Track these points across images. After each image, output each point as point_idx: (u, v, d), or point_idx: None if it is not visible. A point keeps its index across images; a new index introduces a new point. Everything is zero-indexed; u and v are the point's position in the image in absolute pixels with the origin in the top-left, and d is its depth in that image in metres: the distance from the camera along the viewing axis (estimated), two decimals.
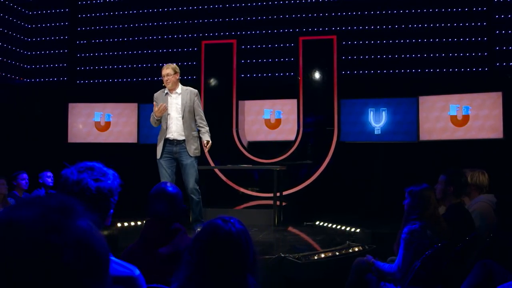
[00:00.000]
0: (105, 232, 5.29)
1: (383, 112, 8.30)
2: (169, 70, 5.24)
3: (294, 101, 8.40)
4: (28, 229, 0.70)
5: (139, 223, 6.09)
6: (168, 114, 5.25)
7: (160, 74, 9.20)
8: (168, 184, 2.63)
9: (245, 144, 8.50)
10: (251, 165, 7.54)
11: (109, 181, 1.74)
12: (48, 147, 8.70)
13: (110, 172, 1.79)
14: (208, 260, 1.49)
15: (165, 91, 5.32)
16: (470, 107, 7.90)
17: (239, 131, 8.44)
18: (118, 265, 1.70)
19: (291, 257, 4.25)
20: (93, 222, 0.79)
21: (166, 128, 5.20)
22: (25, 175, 6.33)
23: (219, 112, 8.39)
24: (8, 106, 8.99)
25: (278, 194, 6.66)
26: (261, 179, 8.23)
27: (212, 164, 8.14)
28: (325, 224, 6.54)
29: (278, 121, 8.80)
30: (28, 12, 9.89)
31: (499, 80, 7.88)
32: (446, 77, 8.34)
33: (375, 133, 8.32)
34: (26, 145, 8.70)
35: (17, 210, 0.74)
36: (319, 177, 8.02)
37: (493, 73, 8.09)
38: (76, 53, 9.79)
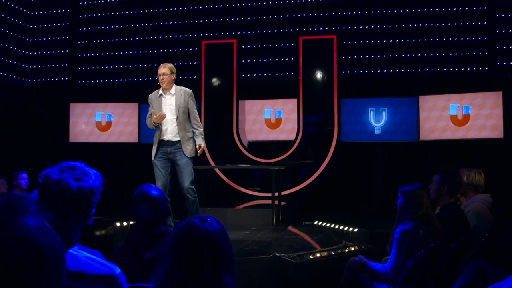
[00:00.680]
0: (102, 232, 5.33)
1: (384, 112, 8.29)
2: (165, 70, 5.18)
3: (295, 100, 8.41)
4: None
5: None
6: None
7: None
8: (151, 187, 2.63)
9: (245, 143, 8.51)
10: (249, 165, 7.55)
11: (90, 181, 1.75)
12: (49, 147, 8.74)
13: (92, 171, 1.79)
14: (184, 259, 1.50)
15: (159, 92, 5.28)
16: (470, 107, 7.88)
17: (240, 130, 8.45)
18: (98, 263, 1.71)
19: (286, 256, 4.25)
20: (45, 221, 0.80)
21: (161, 129, 5.18)
22: (24, 175, 6.36)
23: (219, 112, 8.41)
24: (10, 106, 9.03)
25: (276, 194, 6.65)
26: (261, 179, 8.25)
27: (213, 164, 8.15)
28: (324, 224, 6.54)
29: (279, 121, 8.81)
30: (30, 12, 9.94)
31: (500, 79, 7.85)
32: (446, 76, 8.32)
33: (376, 132, 8.31)
34: (27, 145, 8.74)
35: None
36: (319, 177, 8.02)
37: (493, 72, 8.06)
38: (77, 53, 9.83)
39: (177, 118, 5.16)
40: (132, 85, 9.59)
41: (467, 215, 4.17)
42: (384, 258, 3.87)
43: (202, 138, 5.28)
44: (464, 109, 7.91)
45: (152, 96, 5.33)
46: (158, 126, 5.22)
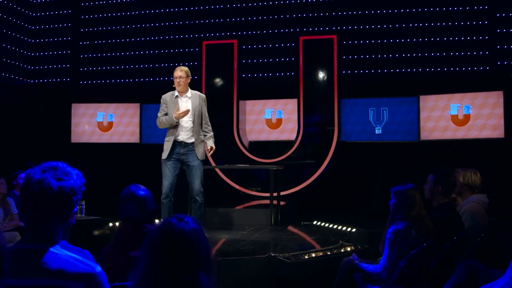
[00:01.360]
0: (99, 232, 5.36)
1: (384, 112, 8.27)
2: (182, 73, 5.32)
3: (295, 100, 8.41)
4: None
5: None
6: None
7: (162, 74, 9.24)
8: (138, 187, 2.65)
9: (246, 144, 8.53)
10: (247, 165, 7.55)
11: (71, 181, 1.77)
12: (51, 147, 8.79)
13: (74, 172, 1.81)
14: (160, 258, 1.52)
15: (175, 94, 5.39)
16: (471, 106, 7.85)
17: (240, 131, 8.47)
18: (79, 262, 1.73)
19: (280, 256, 4.27)
20: None
21: (176, 130, 5.29)
22: (24, 175, 6.39)
23: (220, 112, 8.42)
24: (12, 106, 9.10)
25: (275, 194, 6.66)
26: (262, 179, 8.25)
27: (213, 164, 8.17)
28: (322, 224, 6.54)
29: (279, 121, 8.82)
30: (32, 14, 10.01)
31: (500, 79, 7.81)
32: (447, 76, 8.29)
33: (376, 132, 8.30)
34: (29, 145, 8.79)
35: None
36: (320, 177, 8.02)
37: (494, 72, 8.03)
38: (78, 54, 9.88)
39: (193, 121, 5.32)
40: (133, 85, 9.64)
41: (463, 215, 4.16)
42: (379, 259, 3.87)
43: (213, 140, 5.45)
44: (464, 108, 7.88)
45: (166, 97, 5.43)
46: (173, 127, 5.29)
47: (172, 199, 5.27)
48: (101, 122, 9.32)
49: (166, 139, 5.37)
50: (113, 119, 9.32)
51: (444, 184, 3.85)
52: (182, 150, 5.31)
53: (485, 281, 3.10)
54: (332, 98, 8.15)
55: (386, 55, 8.56)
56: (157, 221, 5.95)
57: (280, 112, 8.82)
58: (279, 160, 8.03)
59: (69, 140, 9.28)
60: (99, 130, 9.34)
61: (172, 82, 5.42)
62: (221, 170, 8.20)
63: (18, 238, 5.05)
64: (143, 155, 8.91)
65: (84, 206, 5.46)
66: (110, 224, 6.04)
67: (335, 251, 4.60)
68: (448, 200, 3.94)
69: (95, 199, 5.99)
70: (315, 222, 6.68)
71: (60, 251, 1.75)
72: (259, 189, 8.24)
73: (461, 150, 7.74)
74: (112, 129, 9.33)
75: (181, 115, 5.21)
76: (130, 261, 2.38)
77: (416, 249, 3.35)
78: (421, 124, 8.06)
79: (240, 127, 8.51)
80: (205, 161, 7.96)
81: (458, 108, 7.92)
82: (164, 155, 5.30)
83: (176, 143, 5.30)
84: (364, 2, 8.63)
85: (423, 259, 3.38)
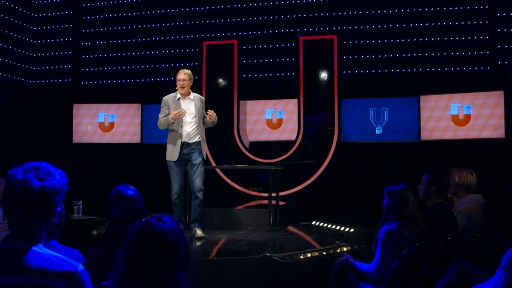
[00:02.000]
0: (95, 232, 5.39)
1: (384, 112, 8.26)
2: (186, 76, 5.51)
3: (296, 100, 8.41)
4: None
5: None
6: (182, 118, 5.47)
7: (163, 75, 9.28)
8: (127, 187, 2.67)
9: (247, 144, 8.53)
10: (246, 165, 7.56)
11: (54, 181, 1.79)
12: (53, 147, 8.85)
13: (57, 171, 1.83)
14: (138, 257, 1.54)
15: (177, 96, 5.54)
16: (471, 106, 7.82)
17: (241, 131, 8.48)
18: (61, 260, 1.75)
19: (275, 256, 4.28)
20: None
21: (181, 132, 5.46)
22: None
23: (220, 112, 8.31)
24: (14, 107, 9.15)
25: (274, 194, 6.67)
26: (263, 179, 8.25)
27: (214, 164, 8.18)
28: (321, 224, 6.54)
29: (280, 121, 8.82)
30: (33, 14, 10.07)
31: (501, 79, 7.78)
32: (447, 76, 8.27)
33: (376, 132, 8.28)
34: (31, 145, 8.84)
35: None
36: (320, 177, 8.01)
37: (495, 72, 8.00)
38: (80, 54, 9.93)
39: (196, 122, 5.54)
40: (134, 86, 9.67)
41: (458, 215, 4.16)
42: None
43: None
44: (465, 108, 7.86)
45: (168, 99, 5.57)
46: (173, 127, 5.48)
47: (182, 197, 5.58)
48: (102, 123, 9.37)
49: (170, 140, 5.53)
50: (115, 120, 9.36)
51: (438, 185, 3.86)
52: (185, 151, 5.50)
53: (477, 281, 3.09)
54: (332, 98, 8.15)
55: (386, 55, 8.55)
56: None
57: (280, 112, 8.82)
58: (280, 160, 8.03)
59: (71, 140, 9.32)
60: (101, 131, 9.38)
61: (175, 84, 5.57)
62: (221, 170, 8.21)
63: None
64: (144, 155, 8.95)
65: (81, 206, 5.49)
66: (106, 224, 6.06)
67: (331, 251, 4.61)
68: (443, 200, 3.94)
69: (97, 199, 6.01)
70: (313, 222, 6.68)
71: (43, 250, 1.77)
72: (260, 189, 8.25)
73: (462, 150, 7.72)
74: (114, 129, 9.37)
75: (177, 115, 5.34)
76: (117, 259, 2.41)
77: (408, 249, 3.35)
78: (422, 124, 8.04)
79: (240, 127, 8.52)
80: (206, 162, 8.04)
81: (459, 108, 7.89)
82: (173, 158, 5.47)
83: (182, 145, 5.48)
84: (364, 2, 8.62)
85: (415, 259, 3.38)
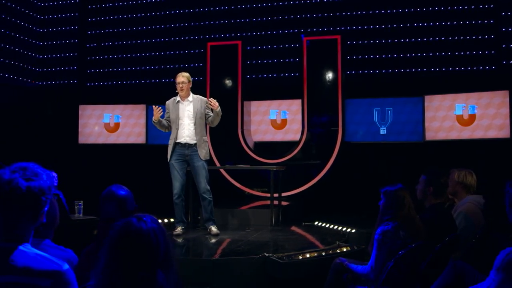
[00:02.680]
0: (95, 231, 5.43)
1: (389, 112, 8.23)
2: (184, 79, 5.66)
3: (300, 101, 8.41)
4: None
5: None
6: (180, 120, 5.64)
7: (167, 76, 9.35)
8: (120, 187, 2.70)
9: (251, 144, 8.54)
10: (248, 166, 7.57)
11: (41, 181, 1.81)
12: (59, 148, 8.93)
13: (44, 172, 1.86)
14: (118, 255, 1.56)
15: (177, 99, 5.70)
16: (476, 106, 7.77)
17: (245, 131, 8.49)
18: (47, 259, 1.77)
19: (274, 256, 4.29)
20: None
21: (178, 133, 5.61)
22: None
23: (224, 113, 8.37)
24: (20, 108, 9.25)
25: (276, 194, 6.67)
26: (268, 180, 8.25)
27: (218, 165, 8.20)
28: (323, 225, 6.53)
29: (284, 122, 8.82)
30: (40, 16, 10.17)
31: (506, 78, 7.72)
32: (452, 76, 8.22)
33: (381, 133, 8.25)
34: (37, 146, 8.93)
35: None
36: (324, 177, 8.00)
37: (499, 71, 7.94)
38: (86, 56, 10.01)
39: (194, 123, 5.64)
40: (139, 87, 9.74)
41: (458, 216, 4.14)
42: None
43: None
44: (470, 108, 7.80)
45: (169, 103, 5.78)
46: (172, 128, 5.64)
47: (183, 197, 5.68)
48: (108, 123, 9.43)
49: (169, 141, 5.71)
50: (120, 120, 9.42)
51: (436, 185, 3.84)
52: (186, 152, 5.62)
53: (472, 282, 3.07)
54: (336, 98, 8.13)
55: (391, 55, 8.52)
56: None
57: (285, 113, 8.82)
58: (284, 161, 8.03)
59: (77, 141, 9.40)
60: (106, 131, 9.44)
61: (175, 87, 5.69)
62: (225, 170, 8.23)
63: None
64: (149, 155, 9.00)
65: (81, 206, 5.54)
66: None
67: (330, 251, 4.60)
68: (440, 201, 3.92)
69: None
70: (316, 223, 6.68)
71: (29, 249, 1.80)
72: (265, 189, 8.24)
73: (467, 150, 7.66)
74: (119, 130, 9.43)
75: (154, 117, 5.58)
76: None
77: (404, 250, 3.34)
78: (426, 124, 8.00)
79: (245, 127, 8.53)
80: (210, 162, 8.06)
81: (463, 108, 7.84)
82: (169, 158, 5.65)
83: (179, 145, 5.62)
84: (368, 2, 8.60)
85: (411, 260, 3.37)
